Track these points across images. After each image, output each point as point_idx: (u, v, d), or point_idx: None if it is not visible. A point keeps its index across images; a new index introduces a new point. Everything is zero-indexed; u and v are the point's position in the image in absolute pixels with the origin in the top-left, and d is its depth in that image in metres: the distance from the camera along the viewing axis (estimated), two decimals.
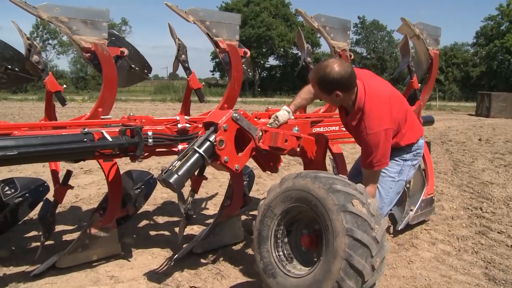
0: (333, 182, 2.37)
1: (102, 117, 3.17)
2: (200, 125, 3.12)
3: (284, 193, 2.52)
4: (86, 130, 2.72)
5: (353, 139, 3.15)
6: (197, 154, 2.58)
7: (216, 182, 6.23)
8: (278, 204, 2.55)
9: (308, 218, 2.58)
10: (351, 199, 2.30)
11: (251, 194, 4.84)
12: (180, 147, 3.11)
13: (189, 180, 2.97)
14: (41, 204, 3.66)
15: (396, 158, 2.91)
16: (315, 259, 2.49)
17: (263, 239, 2.59)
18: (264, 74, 48.44)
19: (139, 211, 4.44)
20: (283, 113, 3.07)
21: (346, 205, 2.26)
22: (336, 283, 2.19)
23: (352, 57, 4.18)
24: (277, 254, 2.57)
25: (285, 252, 2.61)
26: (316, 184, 2.37)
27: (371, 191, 2.71)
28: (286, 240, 2.64)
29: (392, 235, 4.14)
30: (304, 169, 3.26)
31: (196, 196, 4.19)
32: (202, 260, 3.54)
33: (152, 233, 4.24)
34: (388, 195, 2.92)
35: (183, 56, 3.56)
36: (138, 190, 4.10)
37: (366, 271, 2.22)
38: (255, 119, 3.11)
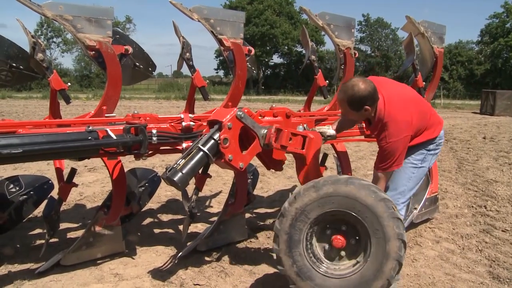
0: (375, 189, 2.56)
1: (106, 115, 3.18)
2: (205, 123, 3.12)
3: (323, 198, 2.56)
4: (90, 128, 2.73)
5: (356, 138, 3.16)
6: (201, 153, 2.59)
7: (220, 180, 6.24)
8: (315, 209, 2.57)
9: (334, 219, 2.63)
10: (392, 205, 2.54)
11: (255, 192, 4.85)
12: (184, 145, 3.12)
13: (193, 178, 2.98)
14: (45, 202, 3.68)
15: (420, 150, 3.05)
16: (347, 258, 2.64)
17: (295, 242, 2.59)
18: (268, 72, 48.34)
19: (143, 209, 4.46)
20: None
21: (393, 212, 2.51)
22: (387, 281, 2.50)
23: (357, 55, 4.18)
24: (311, 256, 2.62)
25: (316, 253, 2.65)
26: (363, 192, 2.52)
27: None
28: (315, 242, 2.67)
29: None
30: (296, 166, 3.17)
31: (200, 194, 4.20)
32: (206, 258, 3.55)
33: (156, 231, 4.25)
34: (410, 180, 3.06)
35: (188, 54, 3.56)
36: (142, 188, 4.12)
37: (402, 265, 2.56)
38: (259, 117, 3.11)
